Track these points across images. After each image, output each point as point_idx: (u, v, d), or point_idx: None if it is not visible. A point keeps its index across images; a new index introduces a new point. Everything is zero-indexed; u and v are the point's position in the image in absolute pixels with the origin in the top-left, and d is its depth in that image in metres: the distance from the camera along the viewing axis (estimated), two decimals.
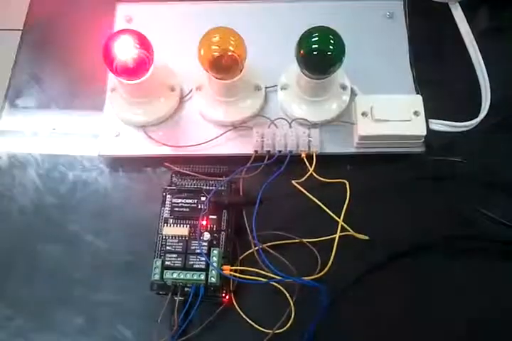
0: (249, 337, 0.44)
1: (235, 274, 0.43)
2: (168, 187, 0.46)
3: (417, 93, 0.50)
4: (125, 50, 0.45)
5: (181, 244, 0.44)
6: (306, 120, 0.49)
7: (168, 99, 0.50)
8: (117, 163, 0.51)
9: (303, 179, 0.45)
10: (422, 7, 0.54)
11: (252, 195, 0.45)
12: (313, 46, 0.44)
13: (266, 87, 0.50)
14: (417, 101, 0.48)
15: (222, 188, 0.46)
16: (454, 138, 0.49)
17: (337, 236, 0.44)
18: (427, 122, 0.47)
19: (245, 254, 0.45)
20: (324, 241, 0.45)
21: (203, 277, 0.43)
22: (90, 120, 0.52)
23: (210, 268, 0.43)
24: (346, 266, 0.45)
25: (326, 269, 0.43)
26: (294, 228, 0.46)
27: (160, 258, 0.44)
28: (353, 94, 0.50)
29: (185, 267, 0.43)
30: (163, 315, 0.43)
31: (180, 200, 0.45)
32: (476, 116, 0.49)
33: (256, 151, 0.48)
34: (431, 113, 0.48)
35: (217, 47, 0.44)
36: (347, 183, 0.45)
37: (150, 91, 0.49)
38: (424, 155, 0.49)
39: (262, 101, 0.50)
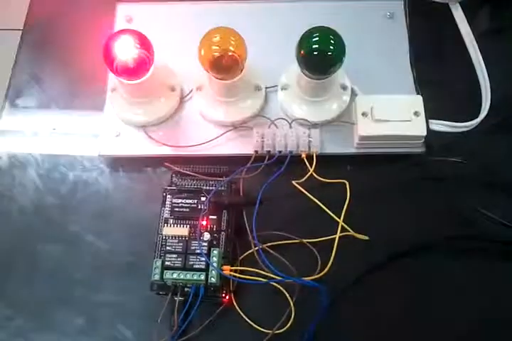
0: (249, 338, 0.44)
1: (235, 274, 0.43)
2: (169, 188, 0.46)
3: (418, 93, 0.50)
4: (125, 50, 0.45)
5: (181, 244, 0.44)
6: (306, 120, 0.49)
7: (169, 99, 0.50)
8: (118, 163, 0.51)
9: (303, 179, 0.45)
10: (422, 7, 0.54)
11: (252, 195, 0.45)
12: (314, 46, 0.44)
13: (266, 87, 0.50)
14: (417, 102, 0.48)
15: (223, 188, 0.46)
16: (454, 138, 0.49)
17: (337, 236, 0.44)
18: (427, 122, 0.47)
19: (245, 254, 0.45)
20: (324, 241, 0.45)
21: (203, 277, 0.43)
22: (90, 120, 0.52)
23: (210, 268, 0.43)
24: (346, 267, 0.45)
25: (326, 269, 0.43)
26: (294, 228, 0.46)
27: (160, 258, 0.44)
28: (353, 94, 0.50)
29: (185, 267, 0.43)
30: (163, 315, 0.43)
31: (180, 200, 0.45)
32: (477, 117, 0.49)
33: (256, 151, 0.48)
34: (431, 113, 0.48)
35: (217, 48, 0.44)
36: (347, 183, 0.45)
37: (150, 92, 0.49)
38: (424, 156, 0.49)
39: (262, 102, 0.50)
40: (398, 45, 0.52)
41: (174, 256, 0.43)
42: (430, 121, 0.48)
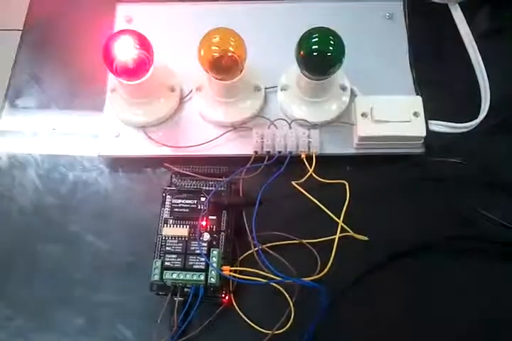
0: (248, 338, 0.44)
1: (235, 275, 0.43)
2: (168, 188, 0.46)
3: (417, 94, 0.50)
4: (125, 51, 0.45)
5: (181, 244, 0.44)
6: (305, 121, 0.49)
7: (168, 99, 0.50)
8: (117, 164, 0.51)
9: (302, 180, 0.45)
10: (421, 8, 0.54)
11: (252, 195, 0.45)
12: (313, 47, 0.44)
13: (266, 88, 0.50)
14: (416, 102, 0.48)
15: (222, 189, 0.46)
16: (453, 139, 0.49)
17: (337, 236, 0.44)
18: (426, 123, 0.47)
19: (245, 255, 0.45)
20: (324, 241, 0.45)
21: (202, 277, 0.43)
22: (90, 120, 0.52)
23: (210, 268, 0.43)
24: (346, 267, 0.45)
25: (326, 270, 0.43)
26: (293, 229, 0.46)
27: (160, 258, 0.44)
28: (352, 94, 0.50)
29: (185, 268, 0.43)
30: (163, 316, 0.43)
31: (180, 201, 0.45)
32: (476, 117, 0.49)
33: (256, 152, 0.48)
34: (431, 114, 0.48)
35: (217, 48, 0.44)
36: (347, 184, 0.45)
37: (150, 92, 0.49)
38: (423, 156, 0.49)
39: (261, 102, 0.50)
40: (397, 45, 0.52)
41: (174, 256, 0.43)
42: (430, 121, 0.48)
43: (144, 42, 0.46)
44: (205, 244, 0.44)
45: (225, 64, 0.45)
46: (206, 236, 0.44)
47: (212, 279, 0.43)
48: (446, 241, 0.47)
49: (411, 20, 0.53)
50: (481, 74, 0.50)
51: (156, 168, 0.50)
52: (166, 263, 0.43)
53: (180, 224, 0.45)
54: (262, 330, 0.43)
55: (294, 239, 0.45)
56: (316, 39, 0.44)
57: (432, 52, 0.54)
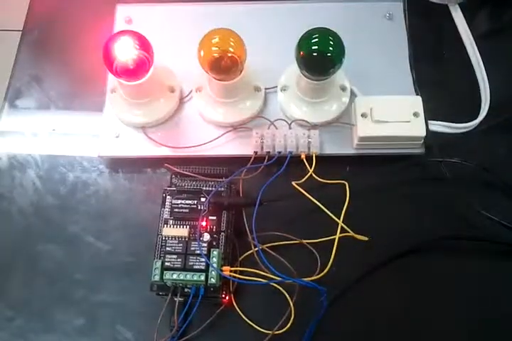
0: (249, 338, 0.44)
1: (235, 275, 0.43)
2: (168, 188, 0.46)
3: (417, 94, 0.50)
4: (125, 51, 0.45)
5: (181, 244, 0.44)
6: (305, 121, 0.49)
7: (168, 100, 0.50)
8: (117, 164, 0.51)
9: (302, 180, 0.45)
10: (421, 8, 0.54)
11: (252, 195, 0.45)
12: (313, 47, 0.44)
13: (266, 88, 0.50)
14: (416, 103, 0.48)
15: (222, 189, 0.46)
16: (453, 139, 0.49)
17: (337, 237, 0.44)
18: (426, 123, 0.47)
19: (245, 255, 0.45)
20: (324, 242, 0.45)
21: (202, 278, 0.43)
22: (90, 121, 0.52)
23: (210, 268, 0.43)
24: (346, 267, 0.45)
25: (326, 270, 0.43)
26: (293, 229, 0.46)
27: (160, 259, 0.44)
28: (352, 95, 0.50)
29: (185, 268, 0.43)
30: (163, 316, 0.43)
31: (180, 201, 0.45)
32: (476, 117, 0.49)
33: (256, 152, 0.48)
34: (430, 114, 0.48)
35: (217, 49, 0.44)
36: (346, 184, 0.45)
37: (150, 93, 0.49)
38: (423, 157, 0.49)
39: (261, 103, 0.50)
40: (397, 46, 0.52)
41: (174, 256, 0.43)
42: (430, 121, 0.48)
43: (143, 43, 0.46)
44: (205, 245, 0.44)
45: (224, 64, 0.45)
46: (206, 237, 0.44)
47: (212, 279, 0.43)
48: (446, 242, 0.47)
49: (411, 20, 0.53)
50: (481, 74, 0.50)
51: (156, 168, 0.50)
52: (166, 264, 0.43)
53: (180, 225, 0.45)
54: (262, 330, 0.43)
55: (294, 239, 0.45)
56: (316, 39, 0.44)
57: (432, 52, 0.54)
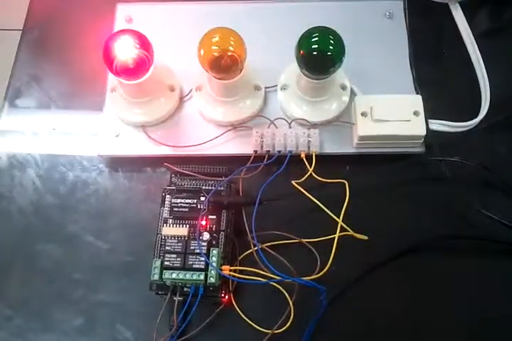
0: (248, 337, 0.44)
1: (235, 274, 0.43)
2: (168, 187, 0.46)
3: (417, 93, 0.50)
4: (125, 50, 0.45)
5: (180, 244, 0.44)
6: (305, 120, 0.49)
7: (168, 99, 0.50)
8: (117, 163, 0.51)
9: (302, 179, 0.45)
10: (421, 7, 0.54)
11: (252, 195, 0.45)
12: (313, 46, 0.44)
13: (266, 87, 0.50)
14: (416, 101, 0.48)
15: (222, 188, 0.46)
16: (454, 138, 0.49)
17: (336, 236, 0.44)
18: (426, 122, 0.47)
19: (245, 254, 0.45)
20: (324, 241, 0.45)
21: (202, 277, 0.43)
22: (90, 120, 0.52)
23: (210, 268, 0.43)
24: (346, 266, 0.45)
25: (326, 269, 0.43)
26: (293, 228, 0.46)
27: (159, 258, 0.44)
28: (352, 94, 0.50)
29: (185, 267, 0.43)
30: (163, 315, 0.43)
31: (179, 200, 0.45)
32: (476, 116, 0.49)
33: (255, 151, 0.48)
34: (431, 113, 0.48)
35: (217, 48, 0.44)
36: (346, 183, 0.45)
37: (150, 92, 0.49)
38: (423, 155, 0.49)
39: (261, 102, 0.50)
40: (398, 44, 0.52)
41: (173, 255, 0.43)
42: (430, 120, 0.48)
43: (143, 42, 0.46)
44: (205, 244, 0.44)
45: (224, 63, 0.45)
46: (206, 236, 0.44)
47: (211, 279, 0.42)
48: (445, 241, 0.47)
49: (411, 19, 0.53)
50: (481, 73, 0.50)
51: (155, 167, 0.50)
52: (166, 263, 0.43)
53: (179, 224, 0.45)
54: (262, 330, 0.43)
55: (294, 239, 0.45)
56: (316, 38, 0.44)
57: (432, 51, 0.54)
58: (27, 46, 0.56)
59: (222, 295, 0.44)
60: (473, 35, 0.51)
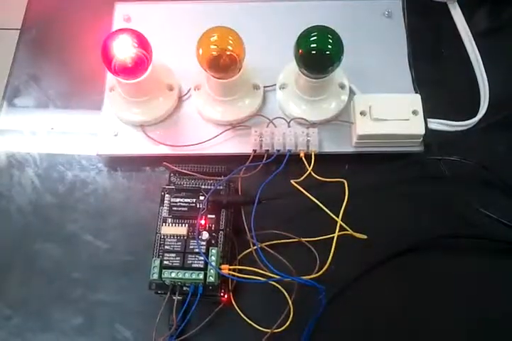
0: (247, 336, 0.44)
1: (234, 273, 0.43)
2: (167, 187, 0.46)
3: (416, 92, 0.50)
4: (123, 50, 0.45)
5: (180, 243, 0.44)
6: (304, 119, 0.49)
7: (167, 98, 0.50)
8: (116, 163, 0.51)
9: (301, 178, 0.45)
10: (420, 6, 0.54)
11: (251, 194, 0.45)
12: (312, 45, 0.44)
13: (264, 87, 0.50)
14: (415, 101, 0.48)
15: (221, 187, 0.46)
16: (452, 137, 0.49)
17: (336, 235, 0.44)
18: (425, 121, 0.47)
19: (244, 253, 0.45)
20: (323, 240, 0.45)
21: (201, 276, 0.43)
22: (89, 119, 0.52)
23: (209, 267, 0.43)
24: (345, 266, 0.45)
25: (325, 268, 0.43)
26: (292, 227, 0.46)
27: (158, 257, 0.44)
28: (351, 93, 0.50)
29: (184, 266, 0.43)
30: (162, 315, 0.43)
31: (178, 200, 0.45)
32: (475, 115, 0.49)
33: (254, 150, 0.48)
34: (429, 112, 0.48)
35: (215, 47, 0.44)
36: (345, 182, 0.45)
37: (148, 91, 0.49)
38: (422, 155, 0.49)
39: (260, 101, 0.50)
40: (396, 43, 0.52)
41: (173, 255, 0.43)
42: (429, 119, 0.48)
43: (142, 41, 0.46)
44: (204, 243, 0.44)
45: (223, 62, 0.45)
46: (205, 235, 0.44)
47: (211, 278, 0.42)
48: (444, 240, 0.47)
49: (410, 18, 0.53)
50: (480, 72, 0.50)
51: (154, 166, 0.50)
52: (165, 262, 0.43)
53: (179, 223, 0.45)
54: (261, 329, 0.43)
55: (293, 238, 0.45)
56: (315, 37, 0.44)
57: (431, 50, 0.54)
58: (25, 45, 0.56)
59: (222, 294, 0.44)
60: (472, 34, 0.51)
